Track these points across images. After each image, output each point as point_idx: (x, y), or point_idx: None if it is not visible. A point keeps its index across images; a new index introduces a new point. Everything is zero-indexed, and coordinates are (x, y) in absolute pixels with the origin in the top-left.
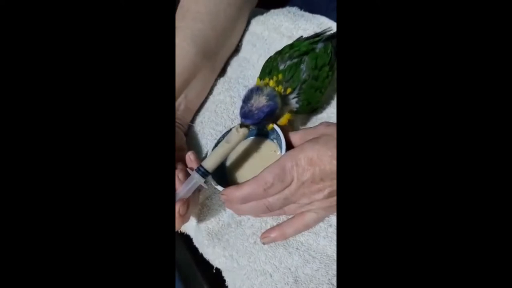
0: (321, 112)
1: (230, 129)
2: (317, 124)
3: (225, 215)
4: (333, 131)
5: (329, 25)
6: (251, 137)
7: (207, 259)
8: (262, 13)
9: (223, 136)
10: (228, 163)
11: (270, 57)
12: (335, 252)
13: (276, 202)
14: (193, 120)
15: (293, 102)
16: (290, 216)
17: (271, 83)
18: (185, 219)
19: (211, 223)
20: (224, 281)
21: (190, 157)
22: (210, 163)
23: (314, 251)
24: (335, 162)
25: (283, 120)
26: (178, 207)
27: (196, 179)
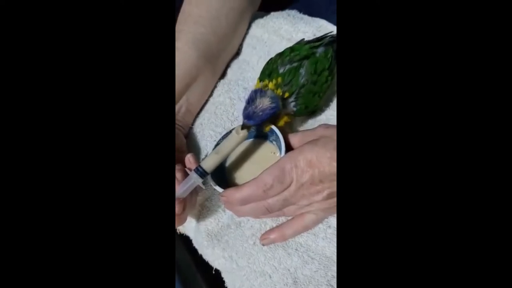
0: (320, 114)
1: (230, 131)
2: (316, 126)
3: (225, 216)
4: (332, 133)
5: (329, 28)
6: (251, 139)
7: (206, 260)
8: (262, 16)
9: (223, 137)
10: (227, 164)
11: (271, 59)
12: (334, 253)
13: (275, 203)
14: (192, 122)
15: (291, 106)
16: (289, 218)
17: (270, 85)
18: (181, 219)
19: (210, 224)
20: (224, 282)
21: (189, 159)
22: (208, 164)
23: (313, 252)
24: (334, 164)
25: (280, 122)
26: None
27: (194, 179)
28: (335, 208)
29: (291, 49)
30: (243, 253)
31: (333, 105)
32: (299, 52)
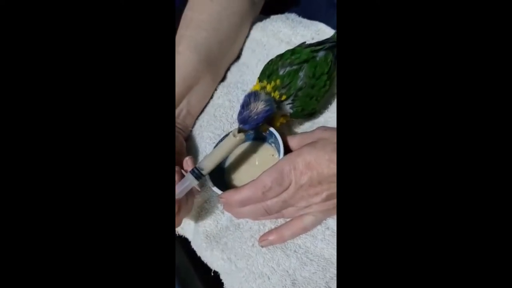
0: (318, 116)
1: (228, 133)
2: (314, 128)
3: (224, 218)
4: (330, 135)
5: (327, 32)
6: (249, 141)
7: (205, 262)
8: (261, 19)
9: (222, 140)
10: (226, 166)
11: (271, 60)
12: (333, 255)
13: (274, 205)
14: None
15: (287, 108)
16: (288, 219)
17: (268, 87)
18: (177, 220)
19: (209, 226)
20: (222, 284)
21: (187, 161)
22: (204, 166)
23: (311, 253)
24: (332, 165)
25: (276, 123)
26: None
27: (190, 180)
28: (334, 209)
29: (292, 51)
30: (242, 255)
31: (332, 108)
32: (300, 55)
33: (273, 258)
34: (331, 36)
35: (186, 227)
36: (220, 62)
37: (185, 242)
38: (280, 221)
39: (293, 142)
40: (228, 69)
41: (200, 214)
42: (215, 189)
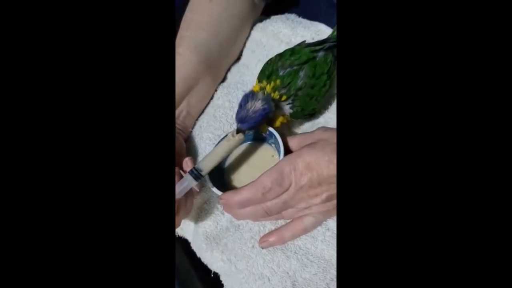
0: (318, 117)
1: (227, 134)
2: (314, 128)
3: (224, 219)
4: (330, 136)
5: (327, 32)
6: (249, 141)
7: (205, 263)
8: (261, 20)
9: (221, 140)
10: (226, 167)
11: (271, 59)
12: (333, 256)
13: (274, 206)
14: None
15: (287, 108)
16: (288, 220)
17: (268, 88)
18: (175, 220)
19: (209, 227)
20: (222, 285)
21: (187, 162)
22: (203, 166)
23: (312, 255)
24: (332, 166)
25: (276, 122)
26: None
27: (189, 181)
28: (334, 210)
29: (292, 51)
30: (242, 256)
31: (332, 108)
32: (300, 55)
33: (273, 259)
34: (331, 35)
35: (186, 228)
36: (220, 63)
37: (185, 243)
38: (280, 222)
39: (293, 142)
40: (228, 69)
41: (200, 215)
42: (215, 190)
